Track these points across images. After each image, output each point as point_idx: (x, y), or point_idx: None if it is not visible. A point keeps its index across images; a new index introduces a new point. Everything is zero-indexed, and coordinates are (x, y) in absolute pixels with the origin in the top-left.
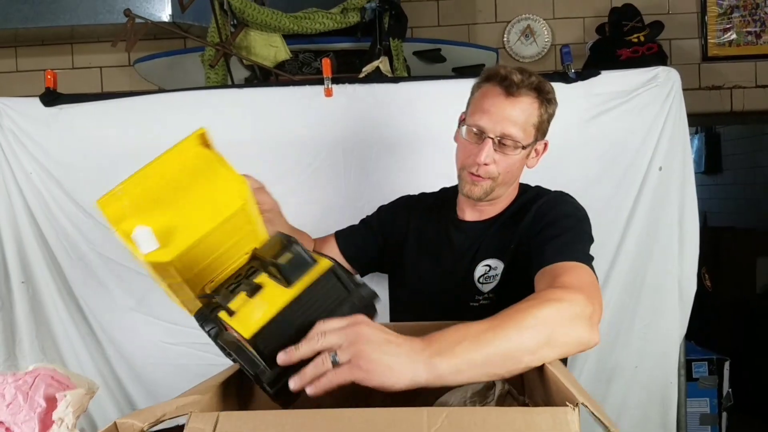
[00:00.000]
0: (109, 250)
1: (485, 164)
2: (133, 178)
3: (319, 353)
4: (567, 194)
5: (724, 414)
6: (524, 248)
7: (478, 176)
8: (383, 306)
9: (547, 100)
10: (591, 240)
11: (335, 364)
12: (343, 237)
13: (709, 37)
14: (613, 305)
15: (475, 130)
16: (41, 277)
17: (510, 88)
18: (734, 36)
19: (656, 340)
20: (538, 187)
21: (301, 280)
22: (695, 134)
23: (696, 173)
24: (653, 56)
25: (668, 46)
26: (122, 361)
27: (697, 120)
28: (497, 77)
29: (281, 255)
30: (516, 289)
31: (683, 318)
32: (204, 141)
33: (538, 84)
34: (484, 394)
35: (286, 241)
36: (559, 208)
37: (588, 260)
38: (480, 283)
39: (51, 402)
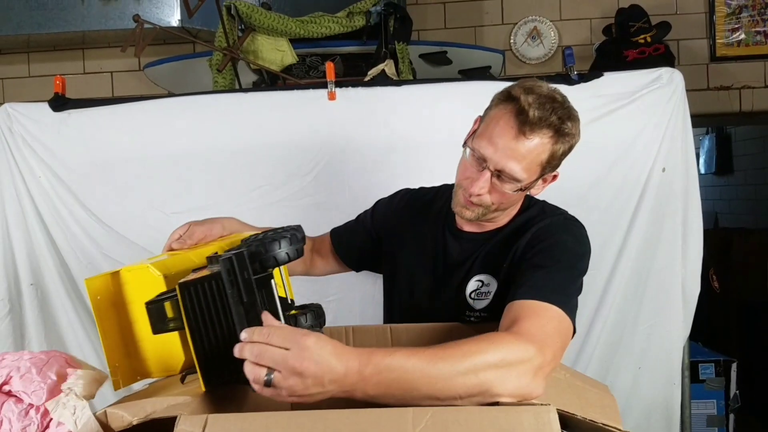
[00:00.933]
0: (117, 254)
1: (479, 194)
2: None
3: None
4: (572, 221)
5: (732, 416)
6: (514, 270)
7: (470, 202)
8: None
9: (565, 135)
10: (580, 275)
11: (268, 382)
12: (336, 235)
13: (717, 37)
14: (617, 306)
15: (477, 155)
16: (50, 280)
17: (524, 126)
18: (743, 36)
19: (660, 341)
20: (543, 204)
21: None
22: (706, 135)
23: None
24: (660, 57)
25: (676, 46)
26: None
27: (705, 120)
28: (516, 105)
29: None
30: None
31: (687, 319)
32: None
33: (558, 121)
34: None
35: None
36: (557, 237)
37: (564, 302)
38: (471, 298)
39: (61, 378)
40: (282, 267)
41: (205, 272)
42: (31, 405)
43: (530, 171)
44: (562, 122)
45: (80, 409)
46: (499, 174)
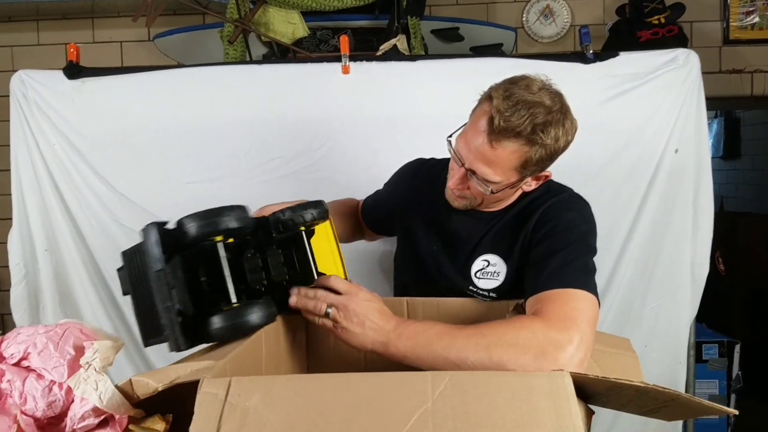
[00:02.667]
0: (131, 222)
1: (458, 188)
2: None
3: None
4: (577, 198)
5: (733, 396)
6: (525, 256)
7: (455, 194)
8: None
9: (538, 143)
10: (592, 254)
11: (326, 315)
12: (365, 203)
13: (731, 20)
14: (625, 285)
15: (455, 153)
16: (65, 246)
17: (490, 134)
18: (757, 19)
19: (667, 320)
20: (551, 183)
21: None
22: (714, 118)
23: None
24: (673, 38)
25: (689, 28)
26: None
27: (716, 104)
28: (491, 107)
29: None
30: (519, 294)
31: (694, 300)
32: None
33: (530, 130)
34: None
35: None
36: (563, 217)
37: (585, 282)
38: (477, 277)
39: (79, 351)
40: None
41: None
42: (53, 382)
43: (504, 175)
44: (534, 131)
45: (102, 384)
46: (473, 173)
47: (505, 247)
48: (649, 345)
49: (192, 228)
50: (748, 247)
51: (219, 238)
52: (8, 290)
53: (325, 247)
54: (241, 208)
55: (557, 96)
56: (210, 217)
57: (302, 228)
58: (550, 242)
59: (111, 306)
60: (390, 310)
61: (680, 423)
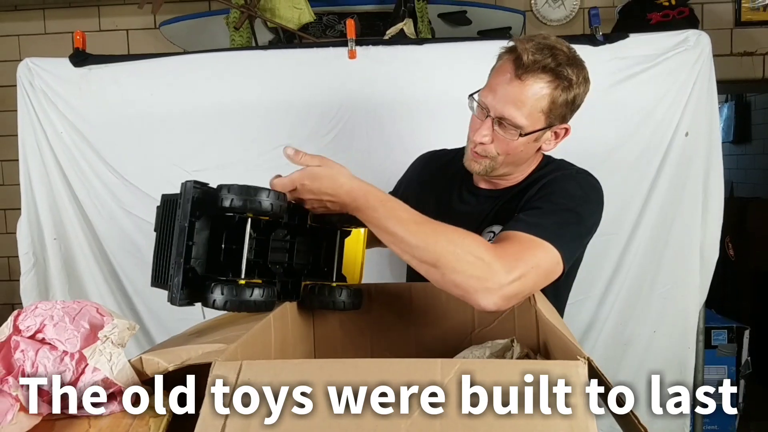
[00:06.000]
0: (138, 210)
1: (482, 143)
2: None
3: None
4: (584, 174)
5: (742, 381)
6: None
7: (477, 153)
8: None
9: (565, 86)
10: (578, 222)
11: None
12: None
13: (743, 1)
14: (635, 269)
15: (480, 105)
16: (73, 234)
17: (518, 69)
18: None
19: (676, 305)
20: (561, 162)
21: None
22: (725, 102)
23: (724, 142)
24: (684, 20)
25: (700, 9)
26: (151, 316)
27: (727, 87)
28: (513, 53)
29: None
30: None
31: (704, 284)
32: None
33: (555, 68)
34: (501, 355)
35: None
36: (563, 185)
37: (554, 239)
38: None
39: (94, 328)
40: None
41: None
42: (65, 352)
43: (531, 118)
44: (559, 66)
45: (116, 356)
46: (500, 121)
47: (509, 216)
48: (658, 330)
49: (226, 198)
50: (757, 233)
51: (250, 214)
52: (18, 279)
53: (352, 250)
54: (280, 196)
55: (572, 48)
56: (245, 194)
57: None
58: (538, 202)
59: (120, 294)
60: (394, 296)
61: (689, 419)
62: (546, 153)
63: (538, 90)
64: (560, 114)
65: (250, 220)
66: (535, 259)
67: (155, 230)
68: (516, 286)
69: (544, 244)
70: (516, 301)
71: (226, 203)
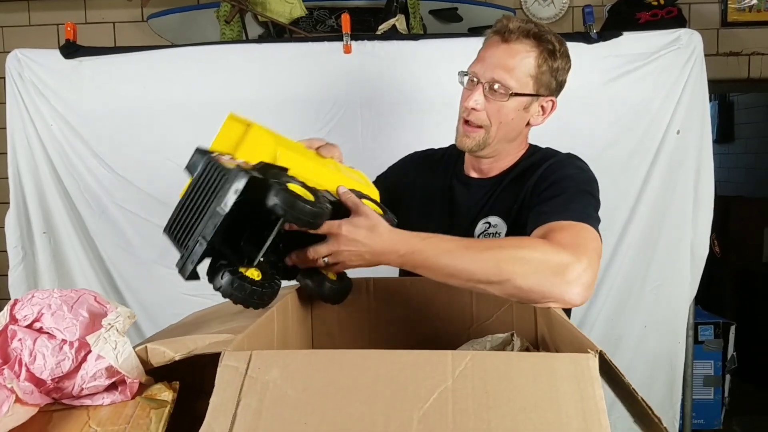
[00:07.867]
0: (129, 203)
1: (474, 109)
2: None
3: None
4: (576, 157)
5: (728, 376)
6: (526, 210)
7: (469, 124)
8: None
9: (549, 51)
10: (595, 201)
11: (327, 264)
12: None
13: (729, 2)
14: (626, 266)
15: (470, 76)
16: (63, 228)
17: (504, 35)
18: (755, 1)
19: (666, 301)
20: (548, 149)
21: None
22: (709, 102)
23: None
24: (673, 20)
25: (687, 9)
26: (143, 312)
27: (714, 86)
28: (498, 26)
29: None
30: None
31: (694, 281)
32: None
33: (538, 33)
34: (502, 349)
35: None
36: (564, 170)
37: (587, 219)
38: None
39: (93, 317)
40: None
41: (231, 165)
42: (64, 341)
43: (520, 81)
44: (542, 34)
45: (121, 345)
46: (491, 86)
47: (505, 207)
48: (649, 325)
49: (270, 199)
50: (740, 230)
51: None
52: (7, 274)
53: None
54: (322, 215)
55: (551, 30)
56: (289, 205)
57: None
58: (551, 191)
59: (110, 288)
60: (393, 291)
61: (678, 404)
62: (535, 126)
63: (524, 53)
64: (546, 82)
65: (281, 221)
66: (589, 242)
67: (190, 181)
68: (590, 272)
69: (584, 226)
70: (593, 288)
71: (268, 203)
